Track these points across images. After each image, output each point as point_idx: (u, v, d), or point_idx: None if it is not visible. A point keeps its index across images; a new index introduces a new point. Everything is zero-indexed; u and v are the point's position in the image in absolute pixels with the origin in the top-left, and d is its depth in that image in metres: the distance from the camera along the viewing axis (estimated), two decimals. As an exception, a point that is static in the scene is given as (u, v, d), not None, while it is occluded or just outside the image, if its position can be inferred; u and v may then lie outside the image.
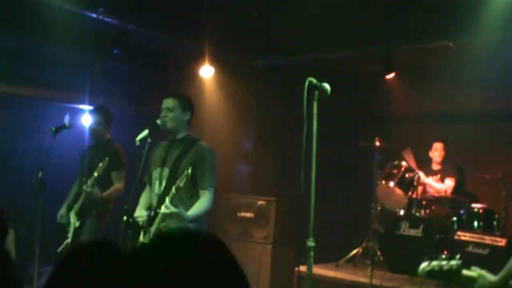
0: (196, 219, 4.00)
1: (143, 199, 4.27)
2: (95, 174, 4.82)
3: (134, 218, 4.05)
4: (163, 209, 3.77)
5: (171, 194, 3.77)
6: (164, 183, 4.08)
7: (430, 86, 7.52)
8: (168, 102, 4.14)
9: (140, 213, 4.10)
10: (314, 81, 2.85)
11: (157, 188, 4.13)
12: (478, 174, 7.00)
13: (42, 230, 5.07)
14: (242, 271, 1.17)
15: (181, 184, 3.72)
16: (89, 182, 4.88)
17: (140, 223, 4.07)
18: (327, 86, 2.89)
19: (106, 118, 5.32)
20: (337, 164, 7.43)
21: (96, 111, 5.37)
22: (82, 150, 5.51)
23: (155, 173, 4.19)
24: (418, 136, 7.57)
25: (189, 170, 3.72)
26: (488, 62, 6.37)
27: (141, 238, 4.14)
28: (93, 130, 5.31)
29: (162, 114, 4.12)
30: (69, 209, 5.21)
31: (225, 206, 7.63)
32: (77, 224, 5.01)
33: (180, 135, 4.19)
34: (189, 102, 4.26)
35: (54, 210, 5.26)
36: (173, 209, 3.74)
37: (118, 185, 5.14)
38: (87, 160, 5.28)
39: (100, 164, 4.81)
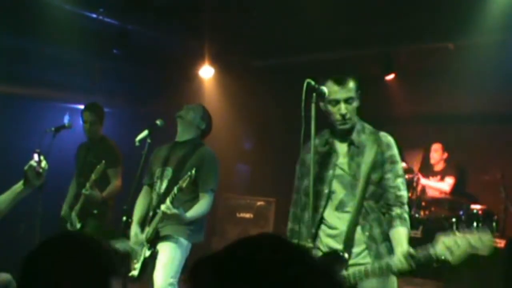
0: (195, 221, 4.00)
1: (139, 207, 4.18)
2: (93, 176, 4.81)
3: (132, 219, 4.05)
4: (163, 208, 3.76)
5: (172, 194, 3.76)
6: (165, 183, 4.07)
7: (430, 87, 7.52)
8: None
9: (135, 239, 4.02)
10: (312, 83, 2.85)
11: (158, 187, 4.13)
12: (477, 175, 7.02)
13: (42, 230, 5.07)
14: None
15: (184, 185, 3.71)
16: (88, 185, 4.86)
17: (131, 243, 4.02)
18: (325, 89, 2.91)
19: (99, 116, 5.26)
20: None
21: (89, 109, 5.26)
22: (77, 148, 5.45)
23: (157, 172, 4.18)
24: (418, 137, 7.58)
25: (193, 171, 3.71)
26: (488, 63, 6.36)
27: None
28: (88, 129, 5.24)
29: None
30: (70, 208, 5.20)
31: (224, 206, 7.63)
32: (78, 226, 5.00)
33: (185, 138, 4.19)
34: (207, 115, 4.40)
35: (54, 210, 5.25)
36: (173, 210, 3.74)
37: (116, 182, 5.13)
38: (82, 159, 5.26)
39: (98, 166, 4.79)
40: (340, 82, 3.01)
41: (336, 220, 2.99)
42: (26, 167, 2.81)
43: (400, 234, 2.82)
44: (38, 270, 1.48)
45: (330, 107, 3.02)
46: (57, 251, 1.52)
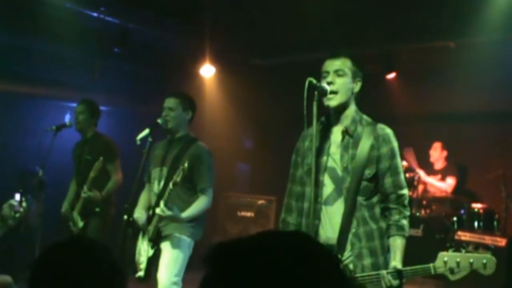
0: (193, 219, 4.00)
1: (143, 199, 4.25)
2: (91, 174, 4.77)
3: (134, 218, 4.05)
4: (157, 211, 3.78)
5: (168, 190, 3.76)
6: (162, 182, 4.08)
7: (431, 86, 7.51)
8: (170, 102, 4.15)
9: (140, 214, 4.09)
10: (314, 81, 2.85)
11: (156, 187, 4.13)
12: (478, 174, 7.01)
13: (43, 229, 5.07)
14: None
15: (178, 179, 3.71)
16: (85, 187, 4.83)
17: (140, 224, 4.07)
18: (326, 86, 2.90)
19: (88, 109, 5.18)
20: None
21: (79, 102, 5.25)
22: (73, 147, 5.38)
23: (155, 172, 4.18)
24: (419, 136, 7.57)
25: (186, 165, 3.70)
26: (489, 62, 6.37)
27: (140, 237, 4.15)
28: (76, 122, 5.19)
29: (164, 113, 4.13)
30: (71, 207, 5.17)
31: (225, 205, 7.64)
32: (81, 224, 4.98)
33: (179, 134, 4.19)
34: (190, 101, 4.27)
35: (55, 209, 5.25)
36: (167, 212, 3.74)
37: (115, 177, 5.07)
38: (78, 157, 5.22)
39: (96, 163, 4.76)
40: (332, 55, 3.00)
41: (325, 215, 2.89)
42: (5, 205, 2.78)
43: (395, 246, 2.78)
44: (48, 271, 1.49)
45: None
46: (69, 253, 1.53)
